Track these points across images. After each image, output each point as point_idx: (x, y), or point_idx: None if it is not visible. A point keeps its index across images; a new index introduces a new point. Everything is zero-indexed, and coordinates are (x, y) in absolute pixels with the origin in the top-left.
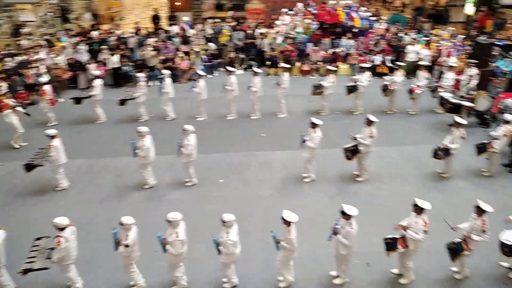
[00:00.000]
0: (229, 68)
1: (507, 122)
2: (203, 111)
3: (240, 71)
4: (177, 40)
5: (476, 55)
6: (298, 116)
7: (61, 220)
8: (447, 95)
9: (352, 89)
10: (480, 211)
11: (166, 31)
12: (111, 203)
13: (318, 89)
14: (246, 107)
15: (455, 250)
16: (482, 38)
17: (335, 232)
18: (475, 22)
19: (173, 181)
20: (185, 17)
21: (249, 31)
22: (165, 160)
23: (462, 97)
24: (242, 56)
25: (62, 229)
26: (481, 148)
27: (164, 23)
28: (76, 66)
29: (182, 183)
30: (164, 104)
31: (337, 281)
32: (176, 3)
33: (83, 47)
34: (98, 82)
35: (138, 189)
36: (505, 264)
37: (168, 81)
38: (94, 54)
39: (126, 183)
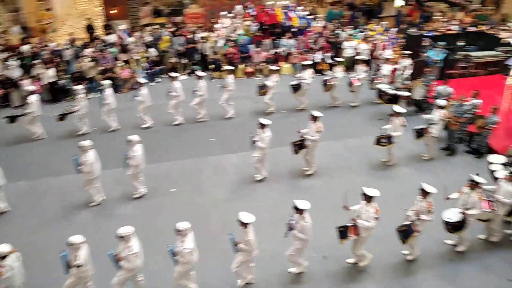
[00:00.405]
0: (172, 74)
1: (440, 107)
2: (149, 119)
3: (183, 76)
4: (115, 49)
5: (409, 46)
6: (246, 117)
7: (2, 248)
8: (385, 87)
9: (296, 87)
10: (424, 193)
11: (103, 41)
12: (59, 224)
13: (262, 89)
14: (192, 112)
15: (406, 232)
16: (413, 31)
17: (290, 228)
18: (406, 15)
19: (122, 195)
20: (122, 25)
21: (189, 36)
22: (112, 174)
23: (398, 88)
24: (184, 61)
25: (3, 257)
26: (419, 133)
27: (100, 33)
28: (8, 83)
29: (132, 196)
30: (105, 116)
31: (293, 270)
32: (111, 12)
33: (14, 63)
34: (33, 98)
35: (86, 207)
36: (450, 242)
37: (109, 91)
38: (26, 69)
39: (73, 202)
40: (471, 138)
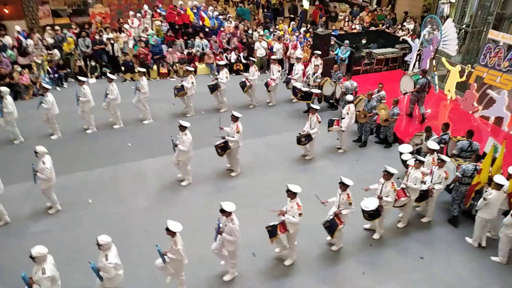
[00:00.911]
0: (80, 78)
1: (349, 102)
2: (57, 127)
3: (93, 80)
4: (12, 52)
5: (317, 46)
6: (164, 120)
7: None
8: (298, 85)
9: (214, 88)
10: (344, 186)
11: None
12: None
13: (180, 91)
14: (105, 117)
15: (331, 227)
16: (320, 30)
17: (219, 232)
18: (310, 16)
19: (33, 211)
20: (18, 26)
21: (97, 37)
22: (20, 189)
23: (310, 86)
24: (93, 63)
25: None
26: (330, 124)
27: None
28: None
29: (45, 212)
30: (7, 126)
31: (226, 277)
32: (3, 10)
33: None
34: None
35: None
36: (367, 226)
37: (8, 99)
38: None
39: None
40: (378, 129)
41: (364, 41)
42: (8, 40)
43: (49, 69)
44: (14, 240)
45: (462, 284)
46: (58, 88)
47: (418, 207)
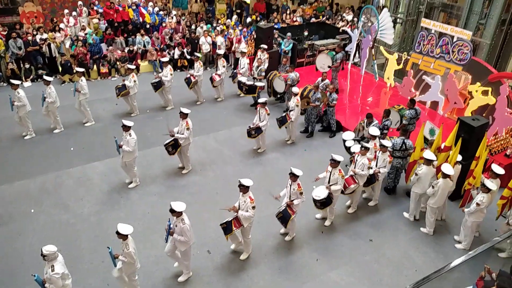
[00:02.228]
0: (13, 81)
1: (295, 94)
2: None
3: (27, 83)
4: None
5: (260, 39)
6: (108, 121)
7: None
8: (243, 79)
9: (158, 86)
10: (294, 177)
11: None
12: None
13: (122, 91)
14: (44, 122)
15: (284, 218)
16: (263, 23)
17: (170, 233)
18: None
19: None
20: None
21: (29, 38)
22: None
23: (255, 79)
24: (27, 66)
25: None
26: (282, 121)
27: None
28: None
29: None
30: None
31: (181, 278)
32: None
33: None
34: None
35: None
36: (318, 216)
37: None
38: None
39: None
40: (322, 117)
41: (306, 33)
42: None
43: None
44: None
45: (409, 261)
46: None
47: (365, 193)
